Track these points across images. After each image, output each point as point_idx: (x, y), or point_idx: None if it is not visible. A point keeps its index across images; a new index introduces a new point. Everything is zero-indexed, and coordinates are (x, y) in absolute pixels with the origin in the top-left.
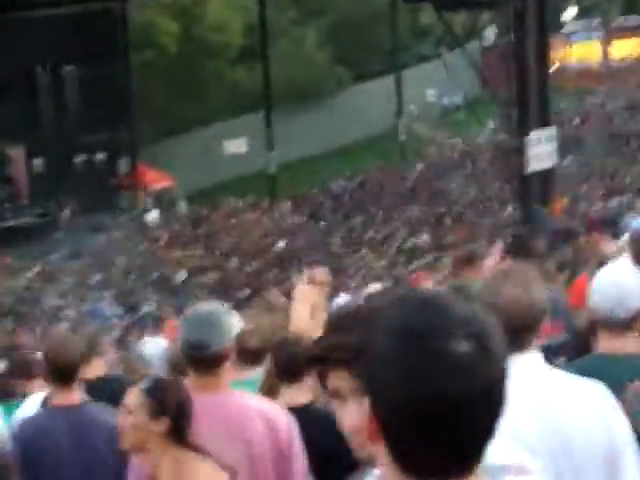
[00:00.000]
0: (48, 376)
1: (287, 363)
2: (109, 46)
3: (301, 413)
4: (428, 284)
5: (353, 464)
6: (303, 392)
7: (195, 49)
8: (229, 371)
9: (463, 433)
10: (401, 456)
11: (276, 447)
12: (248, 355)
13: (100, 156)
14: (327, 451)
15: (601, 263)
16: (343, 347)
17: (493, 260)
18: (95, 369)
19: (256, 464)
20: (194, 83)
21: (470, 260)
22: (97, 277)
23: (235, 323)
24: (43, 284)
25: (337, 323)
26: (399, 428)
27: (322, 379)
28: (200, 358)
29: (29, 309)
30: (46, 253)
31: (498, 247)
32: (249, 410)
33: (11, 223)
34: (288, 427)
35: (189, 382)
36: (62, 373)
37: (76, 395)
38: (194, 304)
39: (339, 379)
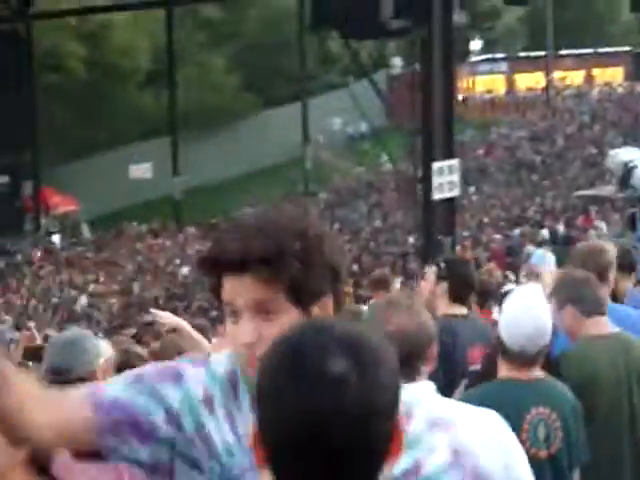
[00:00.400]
0: None
1: None
2: (14, 68)
3: None
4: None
5: None
6: None
7: (102, 73)
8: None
9: (336, 452)
10: (280, 478)
11: None
12: None
13: (3, 179)
14: None
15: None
16: (240, 250)
17: (428, 283)
18: None
19: None
20: (101, 107)
21: (384, 282)
22: None
23: (103, 348)
24: None
25: (238, 228)
26: (276, 446)
27: (216, 291)
28: (63, 383)
29: None
30: None
31: (431, 270)
32: None
33: None
34: None
35: None
36: None
37: None
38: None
39: (233, 290)
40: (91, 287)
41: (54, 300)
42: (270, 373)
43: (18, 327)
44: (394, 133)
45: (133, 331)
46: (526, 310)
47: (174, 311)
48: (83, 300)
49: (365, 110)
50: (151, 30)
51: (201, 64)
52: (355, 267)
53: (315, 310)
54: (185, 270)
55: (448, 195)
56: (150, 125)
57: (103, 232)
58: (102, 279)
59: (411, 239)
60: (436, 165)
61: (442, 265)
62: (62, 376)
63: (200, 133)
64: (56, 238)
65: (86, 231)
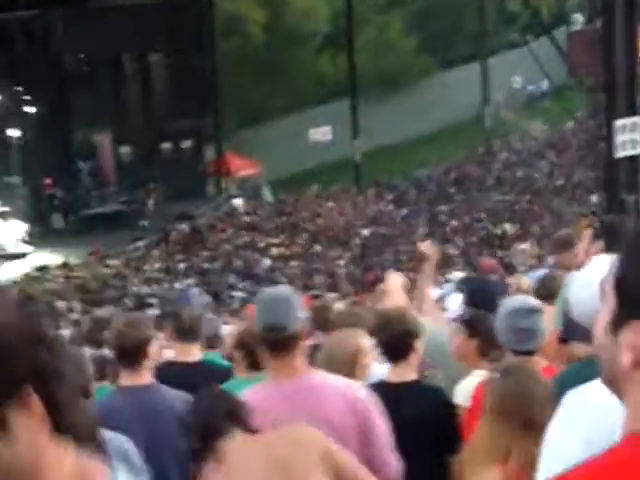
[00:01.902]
0: (116, 357)
1: (388, 341)
2: (196, 35)
3: (408, 389)
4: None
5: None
6: (408, 369)
7: (281, 37)
8: (303, 352)
9: None
10: None
11: (357, 424)
12: None
13: (186, 144)
14: (438, 425)
15: None
16: None
17: (584, 245)
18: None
19: (339, 443)
20: (280, 71)
21: (568, 243)
22: (183, 264)
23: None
24: (130, 271)
25: None
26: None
27: None
28: (277, 340)
29: (116, 295)
30: (133, 240)
31: (588, 232)
32: (326, 389)
33: (98, 210)
34: (367, 402)
35: (266, 366)
36: (129, 354)
37: (145, 376)
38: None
39: None
40: (273, 250)
41: (237, 263)
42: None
43: (209, 292)
44: (575, 91)
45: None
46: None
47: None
48: (265, 263)
49: (545, 68)
50: None
51: (379, 26)
52: (537, 228)
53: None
54: (365, 232)
55: (631, 153)
56: (329, 88)
57: (284, 195)
58: (284, 242)
59: (594, 198)
60: (619, 122)
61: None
62: (276, 333)
63: (379, 95)
64: (238, 202)
65: (267, 195)
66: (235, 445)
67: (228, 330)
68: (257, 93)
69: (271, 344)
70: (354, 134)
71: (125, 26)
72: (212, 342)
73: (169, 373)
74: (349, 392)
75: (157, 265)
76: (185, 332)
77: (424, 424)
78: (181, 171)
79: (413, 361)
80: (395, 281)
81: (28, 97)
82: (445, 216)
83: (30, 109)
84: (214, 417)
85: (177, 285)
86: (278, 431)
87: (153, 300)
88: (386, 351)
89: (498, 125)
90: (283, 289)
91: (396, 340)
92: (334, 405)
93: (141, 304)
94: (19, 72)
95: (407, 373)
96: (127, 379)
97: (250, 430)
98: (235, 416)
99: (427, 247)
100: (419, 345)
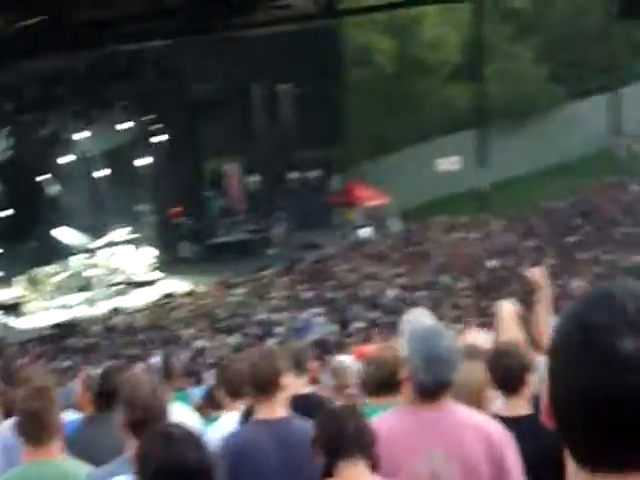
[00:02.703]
0: (251, 389)
1: (504, 375)
2: (325, 64)
3: (524, 424)
4: None
5: None
6: (522, 403)
7: (410, 67)
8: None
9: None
10: (572, 447)
11: (493, 461)
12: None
13: (314, 173)
14: (555, 460)
15: None
16: None
17: None
18: (298, 386)
19: (472, 475)
20: (408, 101)
21: None
22: (309, 293)
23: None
24: (256, 299)
25: None
26: (565, 414)
27: None
28: (432, 390)
29: (242, 323)
30: (259, 269)
31: None
32: (465, 426)
33: (225, 239)
34: (502, 440)
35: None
36: (264, 386)
37: (280, 409)
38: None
39: None
40: (399, 280)
41: (362, 293)
42: (561, 344)
43: (334, 322)
44: None
45: None
46: None
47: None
48: (391, 293)
49: None
50: (459, 22)
51: (509, 56)
52: None
53: None
54: (492, 263)
55: None
56: (457, 118)
57: (410, 225)
58: (410, 272)
59: None
60: None
61: None
62: (440, 388)
63: (507, 125)
64: (364, 231)
65: (395, 224)
66: (356, 472)
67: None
68: (385, 123)
69: (425, 391)
70: (482, 164)
71: (254, 56)
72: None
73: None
74: (487, 430)
75: (282, 294)
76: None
77: (544, 460)
78: (308, 200)
79: (526, 394)
80: (508, 310)
81: (158, 126)
82: (573, 248)
83: (159, 138)
84: (341, 434)
85: (303, 314)
86: None
87: (278, 329)
88: (501, 385)
89: (629, 157)
90: (443, 336)
91: (510, 374)
92: (472, 443)
93: (266, 333)
94: (149, 102)
95: (521, 407)
96: (262, 411)
97: (373, 457)
98: (360, 438)
99: (538, 275)
100: (531, 379)
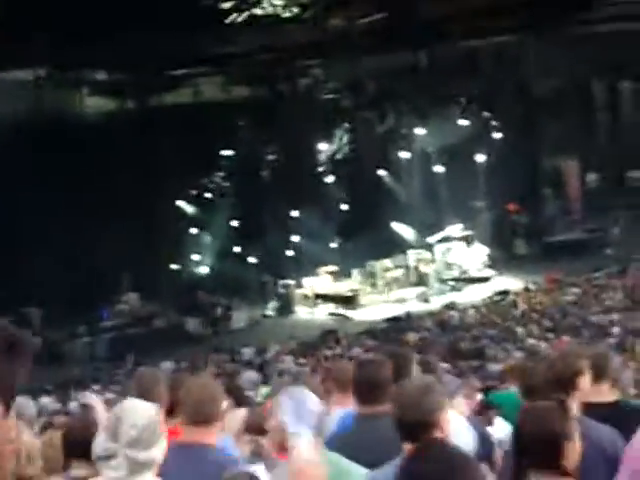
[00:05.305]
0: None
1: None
2: None
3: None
4: None
5: None
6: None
7: None
8: None
9: None
10: None
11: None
12: None
13: None
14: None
15: None
16: None
17: None
18: (604, 393)
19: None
20: None
21: None
22: None
23: None
24: (590, 299)
25: None
26: None
27: None
28: None
29: (573, 323)
30: (595, 268)
31: None
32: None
33: (562, 237)
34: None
35: None
36: (561, 384)
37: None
38: None
39: None
40: None
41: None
42: None
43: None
44: None
45: None
46: None
47: None
48: None
49: None
50: None
51: None
52: None
53: None
54: None
55: None
56: None
57: None
58: None
59: None
60: None
61: None
62: None
63: None
64: None
65: None
66: None
67: None
68: None
69: None
70: None
71: (595, 53)
72: None
73: None
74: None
75: (618, 296)
76: None
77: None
78: None
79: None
80: None
81: (496, 122)
82: None
83: (497, 134)
84: None
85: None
86: None
87: (614, 329)
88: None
89: None
90: None
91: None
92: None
93: (600, 334)
94: (489, 98)
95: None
96: None
97: None
98: None
99: None
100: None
